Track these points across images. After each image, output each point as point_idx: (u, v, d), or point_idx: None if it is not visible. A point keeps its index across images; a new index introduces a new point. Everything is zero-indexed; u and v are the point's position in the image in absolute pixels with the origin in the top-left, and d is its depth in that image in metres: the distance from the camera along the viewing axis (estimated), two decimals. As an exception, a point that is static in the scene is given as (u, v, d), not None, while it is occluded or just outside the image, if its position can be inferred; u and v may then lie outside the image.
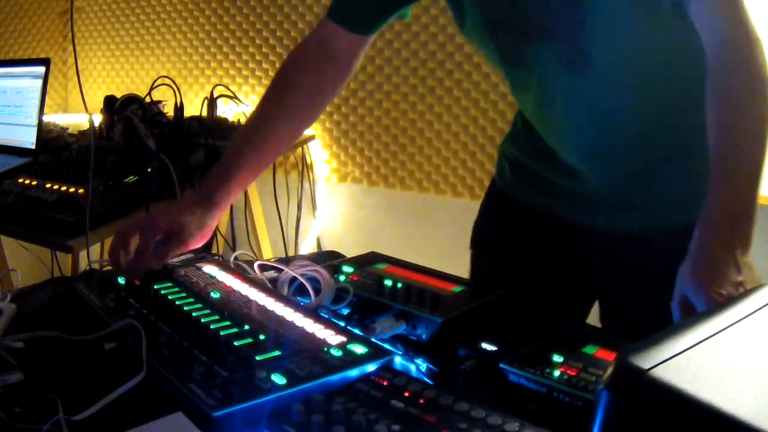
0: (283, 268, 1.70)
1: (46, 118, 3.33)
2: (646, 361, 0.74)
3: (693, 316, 1.19)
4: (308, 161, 4.14)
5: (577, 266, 1.91)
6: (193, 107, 4.08)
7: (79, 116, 4.42)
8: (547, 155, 1.82)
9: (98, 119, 3.20)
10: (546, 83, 1.68)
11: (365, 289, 1.61)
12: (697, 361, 0.75)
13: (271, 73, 4.20)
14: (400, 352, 1.43)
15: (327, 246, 4.19)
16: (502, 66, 1.77)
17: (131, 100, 3.15)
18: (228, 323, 1.41)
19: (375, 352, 1.32)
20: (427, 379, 1.34)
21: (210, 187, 1.77)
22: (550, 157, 1.81)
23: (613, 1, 1.50)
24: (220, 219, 1.80)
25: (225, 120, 3.57)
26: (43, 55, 4.48)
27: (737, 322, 0.86)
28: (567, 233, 1.88)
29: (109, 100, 3.19)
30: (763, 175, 1.37)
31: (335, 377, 1.23)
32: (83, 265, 3.02)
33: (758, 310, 0.91)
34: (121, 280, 1.62)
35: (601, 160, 1.74)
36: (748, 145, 1.38)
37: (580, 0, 1.52)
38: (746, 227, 1.33)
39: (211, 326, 1.37)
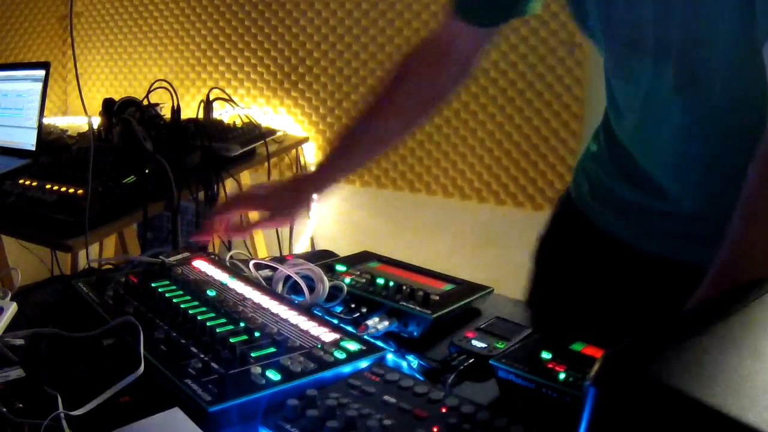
0: (277, 266, 1.69)
1: (46, 121, 3.32)
2: (632, 357, 0.74)
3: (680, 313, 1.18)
4: (302, 162, 4.14)
5: (629, 294, 1.77)
6: (190, 110, 4.07)
7: (79, 119, 4.40)
8: (637, 176, 1.71)
9: (97, 121, 3.19)
10: (650, 103, 1.59)
11: (358, 287, 1.61)
12: (686, 356, 0.75)
13: (267, 77, 4.22)
14: (392, 349, 1.43)
15: (320, 245, 4.19)
16: (612, 78, 1.69)
17: (129, 102, 3.15)
18: (224, 320, 1.41)
19: (367, 349, 1.32)
20: (418, 375, 1.33)
21: (317, 170, 1.92)
22: (641, 179, 1.70)
23: (727, 23, 1.41)
24: (312, 199, 1.92)
25: (221, 122, 3.56)
26: (43, 59, 4.47)
27: (725, 318, 0.86)
28: (638, 264, 1.75)
29: (108, 103, 3.19)
30: None
31: (329, 373, 1.23)
32: (82, 263, 3.02)
33: (746, 306, 0.91)
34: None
35: (696, 184, 1.63)
36: None
37: (701, 18, 1.44)
38: (745, 275, 1.28)
39: (208, 323, 1.37)
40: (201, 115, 3.53)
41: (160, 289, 1.55)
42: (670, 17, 1.48)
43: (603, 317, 1.75)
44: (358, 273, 1.70)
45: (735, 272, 1.27)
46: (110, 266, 1.82)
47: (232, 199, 1.72)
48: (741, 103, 1.51)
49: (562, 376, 1.24)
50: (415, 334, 1.49)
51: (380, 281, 1.63)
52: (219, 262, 1.76)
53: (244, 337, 1.33)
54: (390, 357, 1.35)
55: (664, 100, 1.56)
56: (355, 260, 1.81)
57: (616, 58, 1.64)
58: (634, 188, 1.73)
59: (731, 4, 1.40)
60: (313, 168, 1.76)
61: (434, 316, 1.48)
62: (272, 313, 1.46)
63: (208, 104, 3.57)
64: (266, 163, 3.48)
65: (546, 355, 1.30)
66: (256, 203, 1.86)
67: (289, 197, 1.86)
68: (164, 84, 3.22)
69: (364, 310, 1.54)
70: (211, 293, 1.55)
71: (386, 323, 1.49)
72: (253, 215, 1.86)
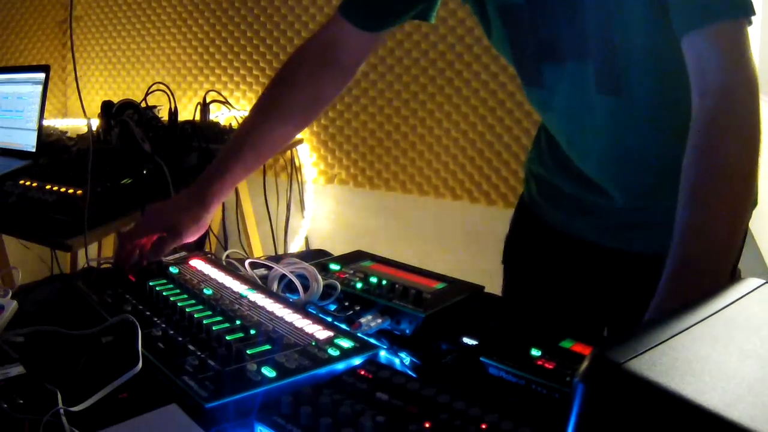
0: (273, 265, 1.69)
1: (46, 123, 3.31)
2: (620, 354, 0.74)
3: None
4: (297, 164, 4.14)
5: (592, 287, 1.85)
6: (187, 112, 4.06)
7: (78, 121, 4.41)
8: (573, 171, 1.75)
9: (96, 123, 3.19)
10: (573, 104, 1.62)
11: (351, 286, 1.61)
12: (671, 354, 0.75)
13: (262, 80, 4.21)
14: (385, 346, 1.43)
15: (315, 245, 4.20)
16: (525, 86, 1.71)
17: (127, 105, 3.15)
18: (220, 318, 1.41)
19: (361, 346, 1.32)
20: (410, 372, 1.34)
21: (204, 184, 1.79)
22: (577, 174, 1.75)
23: (643, 23, 1.44)
24: (214, 214, 1.82)
25: (217, 124, 3.57)
26: (43, 62, 4.47)
27: (711, 315, 0.86)
28: (587, 254, 1.82)
29: (107, 105, 3.18)
30: (736, 239, 1.31)
31: (323, 370, 1.23)
32: (81, 262, 3.02)
33: (731, 304, 0.91)
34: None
35: (626, 178, 1.67)
36: (725, 227, 1.29)
37: (611, 20, 1.46)
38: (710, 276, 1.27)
39: (204, 321, 1.37)
40: (198, 117, 3.53)
41: (157, 288, 1.55)
42: (583, 23, 1.50)
43: (571, 310, 1.78)
44: (352, 272, 1.70)
45: (695, 261, 1.28)
46: (109, 265, 1.81)
47: (136, 227, 1.70)
48: (665, 98, 1.54)
49: (551, 373, 1.24)
50: (407, 331, 1.49)
51: (373, 280, 1.63)
52: (215, 261, 1.76)
53: (240, 334, 1.33)
54: (383, 354, 1.35)
55: (587, 102, 1.58)
56: (349, 259, 1.81)
57: (527, 68, 1.66)
58: (572, 182, 1.78)
59: (642, 4, 1.42)
60: (208, 178, 1.68)
61: (426, 314, 1.47)
62: (267, 311, 1.46)
63: (204, 106, 3.57)
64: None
65: (535, 352, 1.31)
66: (161, 226, 1.74)
67: (195, 213, 1.77)
68: (162, 87, 3.22)
69: (357, 308, 1.54)
70: (207, 292, 1.54)
71: (379, 321, 1.49)
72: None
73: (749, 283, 0.98)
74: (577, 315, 1.83)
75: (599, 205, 1.74)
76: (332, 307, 1.57)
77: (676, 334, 0.80)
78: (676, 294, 1.25)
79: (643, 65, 1.49)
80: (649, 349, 0.75)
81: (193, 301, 1.49)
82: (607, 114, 1.58)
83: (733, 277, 1.69)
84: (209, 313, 1.43)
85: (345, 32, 1.78)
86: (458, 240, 3.83)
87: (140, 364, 1.21)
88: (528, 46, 1.61)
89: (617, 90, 1.53)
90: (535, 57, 1.62)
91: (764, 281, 1.00)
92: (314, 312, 1.51)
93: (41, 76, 3.27)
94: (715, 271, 1.27)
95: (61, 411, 1.10)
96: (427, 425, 1.05)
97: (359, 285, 1.62)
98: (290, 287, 1.64)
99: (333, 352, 1.28)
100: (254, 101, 4.14)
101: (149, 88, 3.31)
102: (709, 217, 1.29)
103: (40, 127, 3.20)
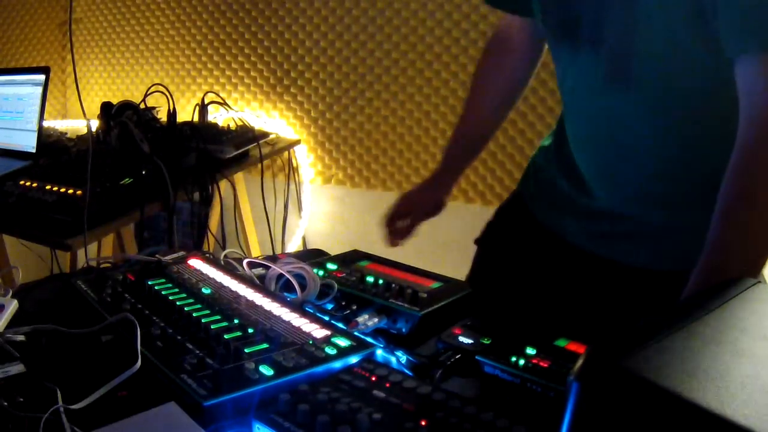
0: (270, 265, 1.69)
1: (46, 124, 3.31)
2: (614, 353, 0.74)
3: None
4: (294, 164, 4.14)
5: (569, 290, 1.82)
6: (185, 113, 4.06)
7: (78, 122, 4.40)
8: (570, 167, 1.75)
9: (95, 124, 3.18)
10: (579, 88, 1.63)
11: (348, 285, 1.61)
12: (665, 352, 0.75)
13: (260, 81, 4.21)
14: (382, 345, 1.42)
15: (312, 244, 4.19)
16: (554, 63, 1.73)
17: (127, 106, 3.14)
18: (218, 317, 1.41)
19: (357, 345, 1.32)
20: (406, 371, 1.33)
21: (441, 172, 2.19)
22: (573, 171, 1.74)
23: (669, 11, 1.41)
24: (450, 194, 2.23)
25: (215, 125, 3.56)
26: (43, 64, 4.46)
27: (705, 314, 0.86)
28: (570, 257, 1.80)
29: (106, 107, 3.17)
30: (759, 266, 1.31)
31: (320, 368, 1.23)
32: (81, 262, 3.01)
33: (725, 302, 0.91)
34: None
35: (617, 177, 1.66)
36: (756, 251, 1.30)
37: (635, 4, 1.44)
38: None
39: (203, 320, 1.37)
40: (196, 119, 3.53)
41: (156, 287, 1.55)
42: (604, 8, 1.50)
43: (537, 304, 1.78)
44: (349, 271, 1.70)
45: (717, 274, 1.28)
46: (108, 265, 1.81)
47: (393, 209, 2.18)
48: (671, 97, 1.52)
49: (546, 371, 1.24)
50: (403, 330, 1.49)
51: (370, 279, 1.63)
52: (213, 261, 1.76)
53: (238, 333, 1.33)
54: (379, 353, 1.35)
55: (593, 90, 1.58)
56: (346, 259, 1.81)
57: (552, 45, 1.70)
58: (568, 179, 1.78)
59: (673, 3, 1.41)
60: (440, 169, 1.98)
61: (422, 313, 1.48)
62: (265, 310, 1.46)
63: (203, 108, 3.57)
64: (259, 165, 3.48)
65: (531, 350, 1.31)
66: (409, 208, 2.22)
67: (431, 199, 2.22)
68: (161, 88, 3.21)
69: (354, 307, 1.54)
70: (206, 291, 1.55)
71: (376, 320, 1.49)
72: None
73: (743, 282, 0.98)
74: (539, 307, 1.83)
75: (589, 209, 1.73)
76: (329, 306, 1.57)
77: (670, 333, 0.80)
78: (712, 279, 1.26)
79: (655, 59, 1.47)
80: (643, 348, 0.75)
81: (191, 300, 1.49)
82: (610, 104, 1.57)
83: None
84: (208, 312, 1.43)
85: (512, 22, 1.92)
86: (454, 240, 3.82)
87: (139, 363, 1.21)
88: (553, 24, 1.64)
89: (626, 80, 1.51)
90: (557, 35, 1.64)
91: (757, 281, 1.00)
92: (311, 311, 1.51)
93: (41, 77, 3.27)
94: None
95: (61, 409, 1.10)
96: (423, 423, 1.05)
97: (356, 284, 1.62)
98: (288, 286, 1.64)
99: (330, 350, 1.28)
100: (252, 102, 4.16)
101: (148, 90, 3.30)
102: (737, 238, 1.30)
103: (40, 128, 3.19)
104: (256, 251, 3.94)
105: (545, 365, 1.26)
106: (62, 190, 2.56)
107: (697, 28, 1.38)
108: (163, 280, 1.60)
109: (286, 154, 4.06)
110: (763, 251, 1.31)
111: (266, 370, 1.19)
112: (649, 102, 1.53)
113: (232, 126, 3.49)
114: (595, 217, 1.72)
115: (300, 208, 4.20)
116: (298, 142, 4.07)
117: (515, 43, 1.92)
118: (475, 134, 2.11)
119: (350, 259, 1.82)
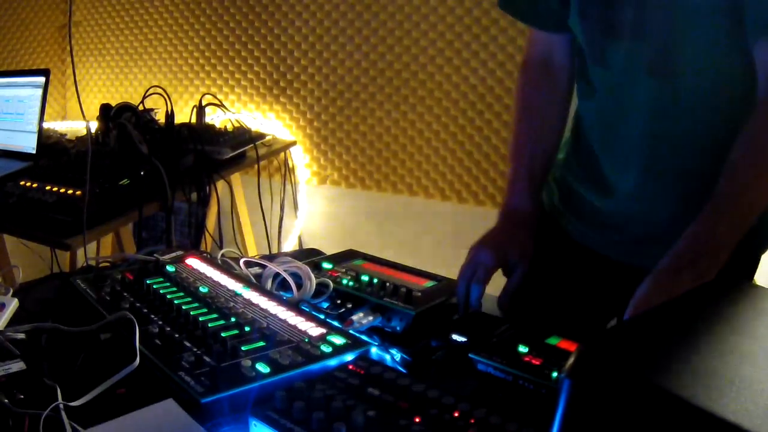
0: (267, 264, 1.69)
1: (45, 125, 3.30)
2: (605, 351, 0.74)
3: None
4: (290, 165, 4.14)
5: (601, 301, 1.78)
6: (183, 115, 4.07)
7: (77, 123, 4.40)
8: (597, 173, 1.72)
9: (95, 126, 3.18)
10: (622, 86, 1.58)
11: (343, 284, 1.61)
12: (657, 350, 0.75)
13: (256, 83, 4.21)
14: (376, 343, 1.43)
15: (308, 244, 4.19)
16: (587, 60, 1.66)
17: (125, 108, 3.14)
18: (215, 316, 1.41)
19: (352, 343, 1.32)
20: (401, 368, 1.34)
21: (516, 213, 1.78)
22: (599, 177, 1.71)
23: (706, 5, 1.42)
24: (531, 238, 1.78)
25: (212, 126, 3.55)
26: (43, 67, 4.46)
27: (696, 313, 0.86)
28: (601, 268, 1.78)
29: (105, 108, 3.17)
30: (747, 228, 1.35)
31: (316, 366, 1.23)
32: (81, 261, 3.01)
33: (717, 300, 0.91)
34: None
35: (652, 179, 1.63)
36: (751, 193, 1.36)
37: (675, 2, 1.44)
38: (704, 266, 1.30)
39: (200, 318, 1.37)
40: (194, 120, 3.53)
41: (154, 286, 1.54)
42: (647, 1, 1.48)
43: (570, 315, 1.75)
44: (344, 270, 1.70)
45: (694, 261, 1.29)
46: (107, 264, 1.81)
47: (467, 263, 1.68)
48: (713, 96, 1.51)
49: (538, 369, 1.24)
50: (398, 328, 1.49)
51: (365, 278, 1.63)
52: (211, 260, 1.76)
53: (235, 331, 1.33)
54: (374, 351, 1.35)
55: (635, 83, 1.55)
56: (341, 258, 1.81)
57: (593, 45, 1.63)
58: (595, 191, 1.74)
59: None
60: (516, 206, 1.70)
61: (416, 311, 1.48)
62: (262, 309, 1.46)
63: (200, 109, 3.57)
64: (256, 166, 3.48)
65: (523, 348, 1.31)
66: (491, 268, 1.69)
67: (516, 245, 1.74)
68: (159, 90, 3.21)
69: (349, 305, 1.54)
70: (203, 290, 1.54)
71: (370, 318, 1.49)
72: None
73: (735, 283, 0.98)
74: (579, 323, 1.80)
75: (617, 218, 1.71)
76: (325, 305, 1.57)
77: (662, 331, 0.80)
78: (705, 223, 1.36)
79: (697, 53, 1.47)
80: (635, 345, 0.75)
81: (189, 299, 1.49)
82: (649, 102, 1.55)
83: (757, 259, 1.70)
84: (205, 310, 1.43)
85: (549, 41, 1.78)
86: (447, 239, 3.82)
87: (138, 361, 1.21)
88: (596, 22, 1.58)
89: (666, 71, 1.50)
90: (602, 34, 1.58)
91: (749, 282, 1.00)
92: (307, 309, 1.51)
93: (41, 79, 3.27)
94: (734, 241, 1.34)
95: (61, 406, 1.10)
96: (417, 420, 1.05)
97: (351, 283, 1.62)
98: (284, 285, 1.64)
99: (325, 348, 1.28)
100: (249, 104, 4.16)
101: (146, 92, 3.30)
102: (739, 186, 1.36)
103: (40, 130, 3.19)
104: (252, 251, 3.94)
105: (537, 363, 1.26)
106: (62, 190, 2.55)
107: (734, 26, 1.41)
108: (161, 279, 1.60)
109: (282, 155, 4.06)
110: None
111: (263, 368, 1.19)
112: (689, 92, 1.52)
113: (229, 127, 3.49)
114: (623, 224, 1.71)
115: (296, 208, 4.20)
116: (294, 143, 4.07)
117: (557, 62, 1.80)
118: (542, 152, 1.85)
119: (345, 258, 1.82)
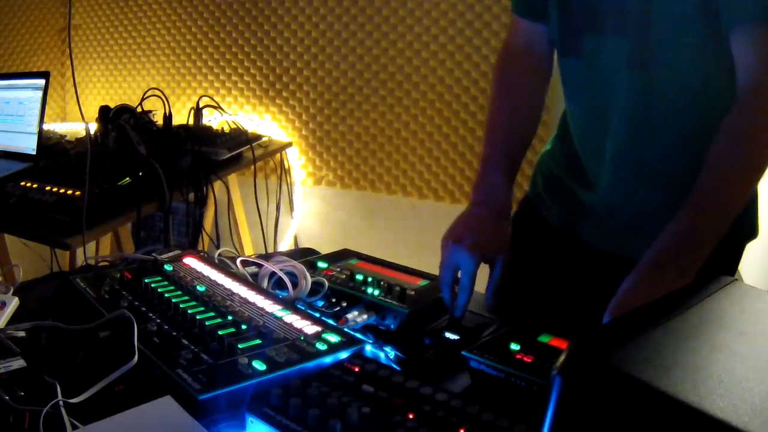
0: (263, 263, 1.69)
1: (45, 126, 3.30)
2: (597, 348, 0.74)
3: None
4: (286, 166, 4.13)
5: (584, 290, 1.72)
6: (181, 116, 4.06)
7: (77, 125, 4.39)
8: (579, 166, 1.72)
9: (94, 127, 3.17)
10: (604, 80, 1.57)
11: (338, 283, 1.61)
12: (645, 347, 0.75)
13: (252, 85, 4.21)
14: (371, 341, 1.43)
15: (303, 243, 4.19)
16: (561, 56, 1.66)
17: (124, 109, 3.13)
18: (213, 314, 1.40)
19: (347, 341, 1.32)
20: (395, 366, 1.34)
21: (491, 201, 1.68)
22: (582, 169, 1.71)
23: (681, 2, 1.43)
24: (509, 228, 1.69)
25: (210, 128, 3.55)
26: (43, 69, 4.45)
27: (684, 310, 0.86)
28: (583, 257, 1.77)
29: (104, 110, 3.16)
30: (729, 222, 1.35)
31: (311, 364, 1.23)
32: (80, 260, 3.00)
33: (706, 298, 0.91)
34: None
35: (631, 173, 1.63)
36: (732, 187, 1.36)
37: None
38: (686, 261, 1.31)
39: (197, 317, 1.37)
40: (191, 122, 3.52)
41: (153, 285, 1.54)
42: None
43: (558, 307, 1.75)
44: (339, 269, 1.70)
45: (676, 256, 1.30)
46: (106, 263, 1.81)
47: (446, 264, 1.58)
48: (693, 91, 1.52)
49: (530, 366, 1.24)
50: (392, 326, 1.49)
51: (359, 277, 1.62)
52: (208, 259, 1.75)
53: (232, 329, 1.33)
54: (368, 348, 1.35)
55: (616, 78, 1.55)
56: (336, 257, 1.81)
57: (569, 38, 1.62)
58: (577, 180, 1.75)
59: None
60: (492, 194, 1.57)
61: (410, 310, 1.48)
62: (258, 307, 1.46)
63: (197, 111, 3.56)
64: (252, 167, 3.48)
65: (515, 346, 1.31)
66: (473, 273, 1.58)
67: (494, 237, 1.64)
68: (157, 92, 3.20)
69: (344, 304, 1.54)
70: (200, 288, 1.54)
71: (365, 317, 1.49)
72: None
73: (720, 281, 0.98)
74: (563, 313, 1.79)
75: (597, 207, 1.71)
76: (320, 304, 1.57)
77: (651, 329, 0.80)
78: (686, 219, 1.35)
79: (675, 47, 1.47)
80: (625, 343, 0.75)
81: (186, 298, 1.49)
82: (630, 92, 1.54)
83: (739, 253, 1.69)
84: (202, 309, 1.43)
85: (529, 29, 1.75)
86: (440, 239, 3.83)
87: (136, 358, 1.21)
88: (576, 15, 1.58)
89: (645, 65, 1.50)
90: (581, 27, 1.57)
91: (734, 278, 1.00)
92: (303, 308, 1.51)
93: (41, 82, 3.26)
94: (715, 236, 1.34)
95: (61, 403, 1.10)
96: (410, 416, 1.05)
97: (346, 282, 1.62)
98: (280, 284, 1.64)
99: (321, 346, 1.28)
100: (246, 106, 4.16)
101: (145, 94, 3.29)
102: (720, 179, 1.36)
103: (40, 131, 3.19)
104: (249, 250, 3.93)
105: (529, 360, 1.26)
106: (62, 190, 2.55)
107: (710, 21, 1.41)
108: (160, 278, 1.60)
109: (278, 156, 4.06)
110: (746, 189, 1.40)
111: (259, 365, 1.19)
112: (667, 86, 1.51)
113: (226, 129, 3.49)
114: (602, 213, 1.70)
115: (292, 209, 4.20)
116: (289, 144, 4.06)
117: (538, 50, 1.77)
118: (519, 142, 1.78)
119: (340, 257, 1.82)
